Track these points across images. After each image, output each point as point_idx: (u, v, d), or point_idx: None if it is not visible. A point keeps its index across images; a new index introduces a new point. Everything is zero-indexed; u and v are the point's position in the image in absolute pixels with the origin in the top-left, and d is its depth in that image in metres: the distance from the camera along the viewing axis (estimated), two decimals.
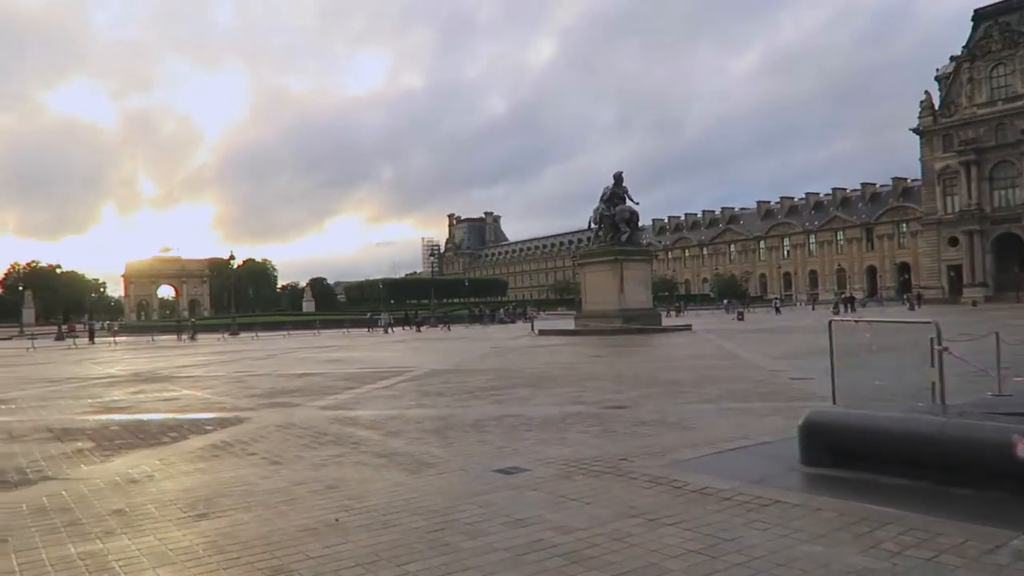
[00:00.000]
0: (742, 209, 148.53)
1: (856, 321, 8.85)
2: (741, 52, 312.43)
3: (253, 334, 50.30)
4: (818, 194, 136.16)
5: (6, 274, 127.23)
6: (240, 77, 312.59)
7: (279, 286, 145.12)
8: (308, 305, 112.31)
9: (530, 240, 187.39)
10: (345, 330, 52.12)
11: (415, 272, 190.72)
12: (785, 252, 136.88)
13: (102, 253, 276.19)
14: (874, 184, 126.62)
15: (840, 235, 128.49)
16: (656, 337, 29.00)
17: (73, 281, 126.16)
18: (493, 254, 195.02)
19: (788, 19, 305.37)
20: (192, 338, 48.15)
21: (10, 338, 57.49)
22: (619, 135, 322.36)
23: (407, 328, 51.48)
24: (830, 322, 8.21)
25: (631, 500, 5.26)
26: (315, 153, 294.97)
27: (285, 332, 51.98)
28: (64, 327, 59.75)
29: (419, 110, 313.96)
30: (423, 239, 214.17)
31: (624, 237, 34.02)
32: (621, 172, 35.12)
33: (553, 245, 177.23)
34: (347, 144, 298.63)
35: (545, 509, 5.10)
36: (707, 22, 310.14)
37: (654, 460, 6.50)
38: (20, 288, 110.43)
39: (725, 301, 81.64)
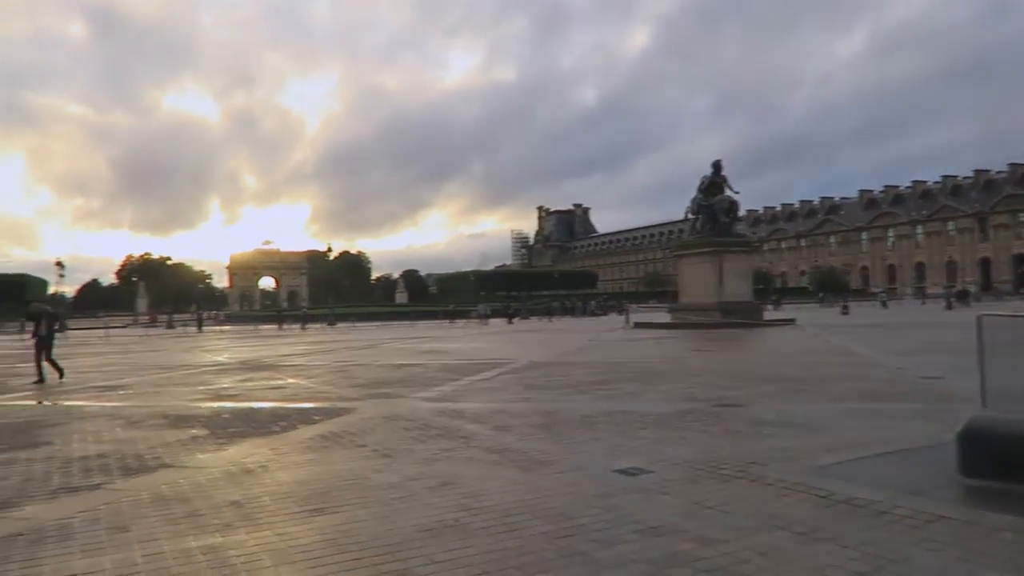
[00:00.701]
0: (843, 199, 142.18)
1: (1013, 316, 7.96)
2: (847, 33, 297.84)
3: (350, 324, 51.50)
4: (926, 182, 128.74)
5: (121, 266, 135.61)
6: (337, 74, 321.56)
7: (373, 278, 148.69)
8: (401, 296, 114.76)
9: (620, 232, 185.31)
10: (438, 321, 52.76)
11: (504, 264, 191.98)
12: (889, 243, 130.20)
13: (208, 246, 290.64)
14: (988, 171, 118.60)
15: (951, 225, 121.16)
16: (758, 331, 27.85)
17: (181, 273, 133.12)
18: (582, 246, 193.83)
19: None
20: (303, 327, 49.42)
21: (125, 326, 60.99)
22: (715, 124, 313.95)
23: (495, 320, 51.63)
24: (979, 317, 7.40)
25: (772, 510, 4.77)
26: (409, 147, 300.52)
27: (380, 323, 53.01)
28: (146, 318, 62.65)
29: (511, 102, 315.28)
30: (512, 231, 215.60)
31: (723, 227, 32.85)
32: (720, 160, 33.96)
33: (644, 237, 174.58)
34: (440, 138, 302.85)
35: (679, 516, 4.68)
36: (811, 3, 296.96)
37: (789, 465, 5.97)
38: (134, 279, 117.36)
39: (820, 295, 78.22)
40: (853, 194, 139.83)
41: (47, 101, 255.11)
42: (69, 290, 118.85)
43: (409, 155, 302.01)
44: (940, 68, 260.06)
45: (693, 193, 34.70)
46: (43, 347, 15.17)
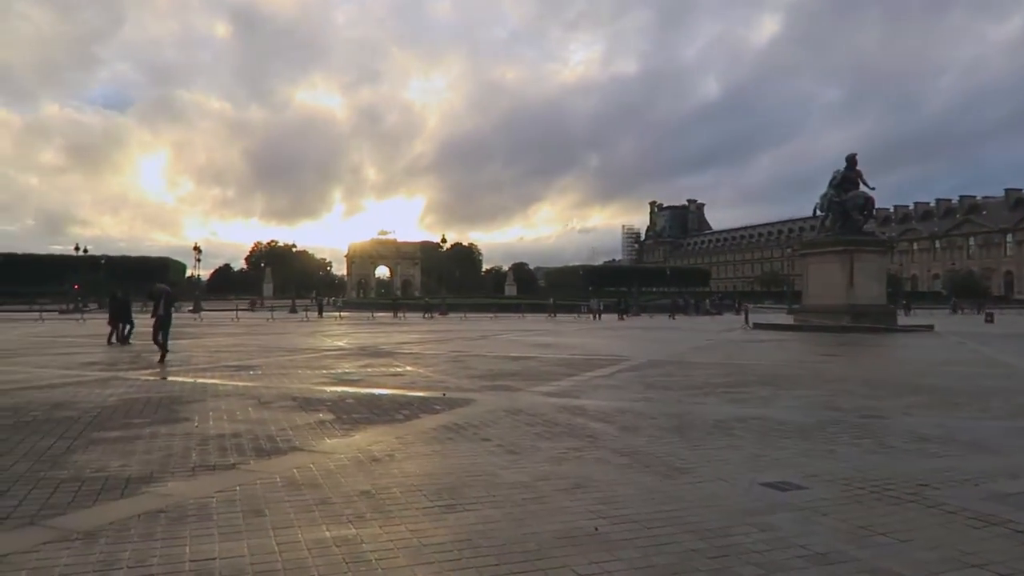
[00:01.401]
0: (985, 198, 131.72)
1: None
2: (1001, 17, 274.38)
3: (462, 315, 52.18)
4: None
5: (251, 252, 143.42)
6: (459, 68, 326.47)
7: (483, 270, 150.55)
8: (510, 289, 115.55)
9: (735, 229, 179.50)
10: (548, 315, 52.64)
11: (613, 259, 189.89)
12: None
13: (330, 236, 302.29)
14: None
15: None
16: (893, 337, 26.04)
17: (304, 260, 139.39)
18: (695, 243, 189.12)
19: None
20: (442, 315, 49.69)
21: (251, 309, 64.28)
22: (845, 116, 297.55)
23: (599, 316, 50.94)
24: None
25: (960, 543, 4.18)
26: (524, 141, 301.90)
27: (491, 314, 53.42)
28: (249, 301, 65.52)
29: (631, 95, 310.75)
30: (623, 226, 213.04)
31: (856, 225, 30.91)
32: (855, 154, 31.87)
33: (760, 235, 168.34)
34: (556, 132, 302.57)
35: (847, 543, 4.17)
36: None
37: (967, 490, 5.29)
38: (262, 264, 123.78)
39: (952, 300, 72.51)
40: (998, 193, 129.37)
41: (192, 97, 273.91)
42: (204, 274, 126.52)
43: (524, 149, 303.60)
44: None
45: (823, 189, 32.84)
46: (161, 327, 15.63)
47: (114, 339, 20.91)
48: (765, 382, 12.06)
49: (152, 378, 12.52)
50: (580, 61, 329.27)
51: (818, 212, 33.19)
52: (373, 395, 10.43)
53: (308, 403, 9.52)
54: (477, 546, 4.08)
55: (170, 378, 12.54)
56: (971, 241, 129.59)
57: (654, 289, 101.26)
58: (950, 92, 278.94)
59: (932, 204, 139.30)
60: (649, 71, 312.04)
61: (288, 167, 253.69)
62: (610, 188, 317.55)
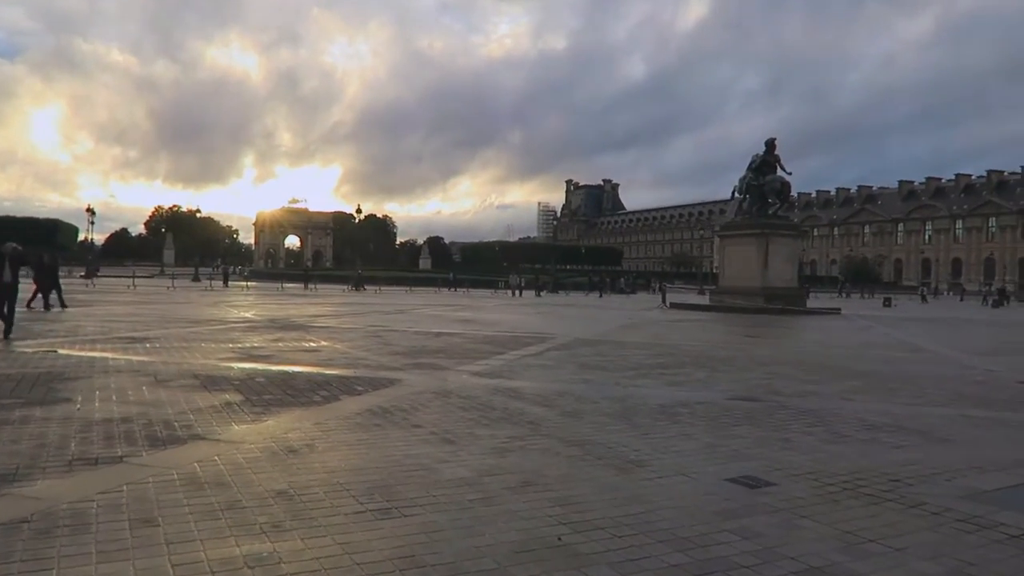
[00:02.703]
0: (880, 188, 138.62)
1: None
2: (914, 14, 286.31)
3: (376, 288, 50.80)
4: (970, 176, 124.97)
5: (151, 216, 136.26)
6: (384, 35, 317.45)
7: (398, 243, 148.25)
8: (424, 263, 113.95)
9: (648, 210, 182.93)
10: (465, 290, 51.93)
11: (529, 237, 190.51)
12: (927, 237, 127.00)
13: (239, 202, 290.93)
14: None
15: (992, 221, 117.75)
16: (806, 319, 26.66)
17: (209, 226, 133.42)
18: (609, 222, 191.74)
19: None
20: (357, 289, 48.30)
21: (152, 276, 60.85)
22: (764, 103, 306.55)
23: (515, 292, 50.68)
24: None
25: (958, 551, 3.78)
26: (449, 113, 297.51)
27: (406, 288, 52.27)
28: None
29: (557, 72, 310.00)
30: (539, 204, 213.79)
31: (772, 209, 31.50)
32: (774, 139, 32.37)
33: (673, 216, 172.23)
34: (481, 105, 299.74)
35: (840, 553, 3.71)
36: None
37: (940, 487, 4.96)
38: (163, 230, 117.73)
39: (840, 284, 75.94)
40: (894, 184, 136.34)
41: (92, 48, 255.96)
42: (100, 238, 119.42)
43: (447, 121, 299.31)
44: (1008, 59, 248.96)
45: (738, 174, 33.31)
46: (4, 295, 12.91)
47: (38, 305, 19.88)
48: (700, 364, 11.77)
49: (32, 350, 11.15)
50: (509, 34, 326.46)
51: (736, 194, 33.65)
52: (286, 373, 9.51)
53: (212, 382, 8.53)
54: (422, 564, 3.39)
55: (53, 351, 11.20)
56: (866, 229, 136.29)
57: (568, 267, 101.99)
58: (861, 85, 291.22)
59: (832, 192, 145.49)
60: (578, 49, 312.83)
61: (197, 128, 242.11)
62: (531, 165, 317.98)
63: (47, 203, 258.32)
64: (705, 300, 40.90)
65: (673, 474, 5.14)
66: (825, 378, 10.47)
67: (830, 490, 4.84)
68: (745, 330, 20.19)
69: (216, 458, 5.16)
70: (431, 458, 5.37)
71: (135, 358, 10.59)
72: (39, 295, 20.24)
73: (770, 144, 32.25)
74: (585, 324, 21.33)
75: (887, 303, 44.09)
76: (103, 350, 11.41)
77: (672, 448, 5.92)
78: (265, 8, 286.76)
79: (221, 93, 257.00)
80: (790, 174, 32.24)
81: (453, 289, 51.76)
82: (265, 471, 4.87)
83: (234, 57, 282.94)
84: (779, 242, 30.84)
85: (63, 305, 20.51)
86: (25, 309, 18.89)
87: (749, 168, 32.49)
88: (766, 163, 32.07)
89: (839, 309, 32.41)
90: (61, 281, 21.97)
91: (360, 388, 8.43)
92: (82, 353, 10.95)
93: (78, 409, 6.71)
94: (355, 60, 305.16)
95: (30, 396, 7.27)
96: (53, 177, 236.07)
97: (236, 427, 6.22)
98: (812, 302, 41.32)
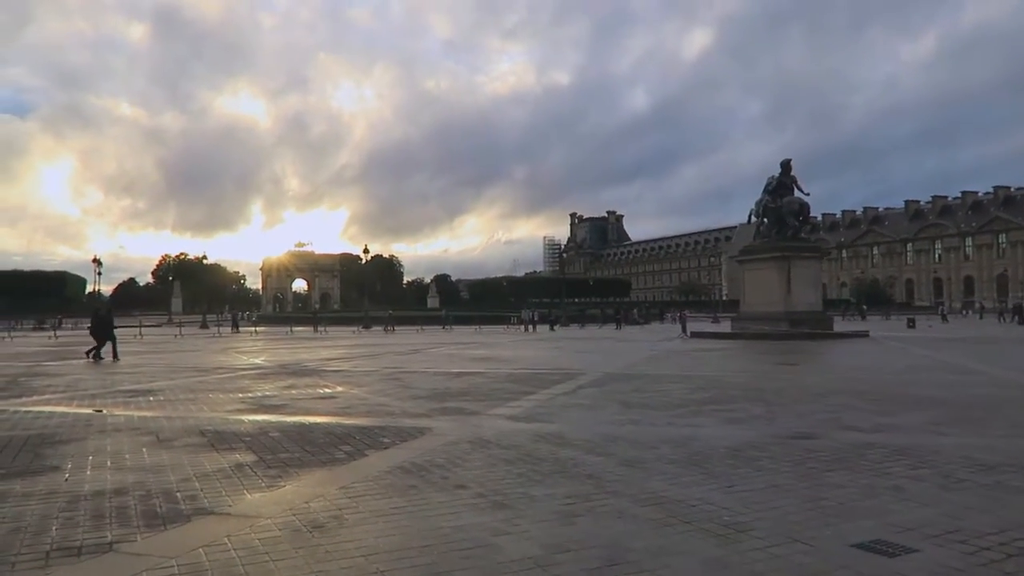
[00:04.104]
0: (887, 209, 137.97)
1: None
2: (916, 37, 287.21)
3: (384, 328, 49.88)
4: (976, 193, 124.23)
5: (158, 265, 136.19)
6: (390, 76, 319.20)
7: (405, 282, 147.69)
8: (432, 301, 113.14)
9: (654, 240, 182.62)
10: (476, 327, 50.97)
11: (535, 271, 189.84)
12: (936, 256, 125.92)
13: (248, 249, 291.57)
14: None
15: (1002, 238, 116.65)
16: (836, 344, 25.60)
17: (216, 273, 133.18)
18: (615, 254, 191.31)
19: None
20: (366, 328, 47.65)
21: (159, 325, 60.15)
22: (767, 129, 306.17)
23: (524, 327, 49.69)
24: None
25: None
26: (455, 152, 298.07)
27: (417, 327, 51.35)
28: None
29: (562, 107, 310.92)
30: (544, 238, 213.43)
31: (792, 232, 30.62)
32: (789, 160, 31.63)
33: (678, 245, 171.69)
34: (487, 143, 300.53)
35: None
36: (882, 3, 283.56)
37: None
38: (170, 279, 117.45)
39: (852, 305, 74.68)
40: (898, 204, 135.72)
41: (102, 103, 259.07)
42: (107, 289, 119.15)
43: (453, 160, 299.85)
44: (1010, 76, 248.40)
45: (743, 201, 32.72)
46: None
47: (98, 356, 20.02)
48: (751, 398, 10.78)
49: (27, 408, 10.27)
50: (512, 71, 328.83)
51: (753, 218, 32.78)
52: (302, 425, 8.58)
53: (221, 439, 7.61)
54: None
55: (48, 408, 10.31)
56: (875, 251, 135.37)
57: (576, 300, 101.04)
58: (864, 108, 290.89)
59: (838, 215, 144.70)
60: (582, 83, 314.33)
61: (205, 177, 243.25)
62: (536, 200, 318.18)
63: (56, 256, 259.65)
64: (720, 328, 39.94)
65: (785, 540, 4.18)
66: (895, 409, 9.47)
67: (990, 556, 3.88)
68: (779, 358, 19.16)
69: (226, 540, 4.23)
70: (485, 529, 4.43)
71: (137, 413, 9.69)
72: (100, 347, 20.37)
73: (786, 165, 31.51)
74: (609, 358, 20.34)
75: (911, 324, 42.98)
76: (103, 405, 10.52)
77: (768, 504, 4.96)
78: (273, 55, 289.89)
79: (230, 141, 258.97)
80: (808, 195, 31.49)
81: (444, 327, 50.72)
82: (287, 557, 3.94)
83: (242, 105, 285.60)
84: (801, 265, 29.91)
85: (115, 357, 20.22)
86: (87, 359, 19.71)
87: (765, 191, 31.71)
88: (783, 185, 31.29)
89: (867, 332, 31.35)
90: (59, 336, 21.30)
91: (386, 440, 7.50)
92: (79, 410, 10.06)
93: (66, 480, 5.80)
94: (361, 103, 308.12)
95: (12, 465, 6.35)
96: (63, 231, 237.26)
97: (249, 496, 5.29)
98: (841, 324, 40.26)
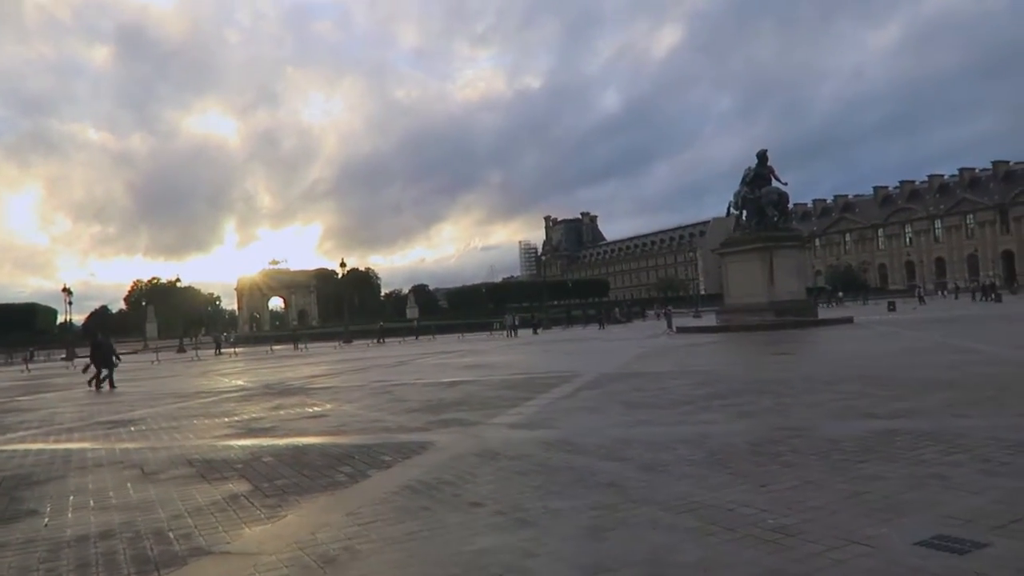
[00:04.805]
0: (856, 196, 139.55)
1: None
2: (880, 25, 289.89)
3: (367, 342, 49.26)
4: (942, 176, 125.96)
5: (130, 290, 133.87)
6: (360, 87, 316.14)
7: (383, 294, 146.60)
8: (412, 312, 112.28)
9: (629, 239, 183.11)
10: (460, 335, 50.49)
11: (512, 276, 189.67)
12: (907, 240, 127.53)
13: (223, 269, 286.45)
14: (1007, 162, 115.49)
15: (970, 219, 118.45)
16: (823, 331, 25.52)
17: (190, 296, 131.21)
18: (591, 255, 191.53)
19: None
20: (347, 342, 47.39)
21: (135, 352, 58.93)
22: (739, 124, 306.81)
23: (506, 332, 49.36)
24: None
25: None
26: (428, 160, 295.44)
27: (399, 339, 50.80)
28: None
29: (534, 110, 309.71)
30: (520, 242, 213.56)
31: (772, 222, 30.59)
32: (765, 150, 31.60)
33: (654, 243, 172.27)
34: (460, 149, 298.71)
35: None
36: None
37: None
38: (143, 303, 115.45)
39: (829, 291, 75.12)
40: (867, 191, 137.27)
41: (67, 128, 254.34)
42: (79, 318, 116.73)
43: (427, 168, 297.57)
44: (972, 61, 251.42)
45: (717, 195, 33.09)
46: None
47: (100, 385, 19.60)
48: (756, 390, 10.49)
49: (0, 448, 9.71)
50: (483, 77, 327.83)
51: (732, 210, 32.70)
52: (296, 448, 8.14)
53: (212, 468, 7.16)
54: None
55: (23, 446, 9.75)
56: (847, 237, 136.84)
57: (556, 302, 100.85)
58: (833, 98, 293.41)
59: (809, 205, 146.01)
60: (554, 86, 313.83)
61: (176, 198, 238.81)
62: (512, 204, 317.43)
63: (26, 288, 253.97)
64: (704, 322, 39.90)
65: (842, 543, 3.85)
66: (906, 393, 9.23)
67: None
68: (771, 348, 18.98)
69: None
70: (512, 551, 4.06)
71: (118, 446, 9.17)
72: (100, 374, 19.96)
73: (762, 156, 31.49)
74: (599, 358, 20.04)
75: (891, 307, 43.25)
76: (81, 439, 9.99)
77: (807, 503, 4.63)
78: (240, 70, 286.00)
79: (200, 160, 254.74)
80: (786, 184, 31.52)
81: (417, 338, 50.32)
82: None
83: (211, 123, 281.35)
84: (783, 254, 29.87)
85: (111, 385, 19.75)
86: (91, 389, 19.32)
87: (743, 182, 31.66)
88: (760, 176, 31.27)
89: (851, 318, 31.37)
90: (31, 369, 20.69)
91: (388, 458, 7.09)
92: (56, 446, 9.53)
93: (46, 525, 5.33)
94: (331, 115, 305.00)
95: None
96: (31, 260, 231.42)
97: (249, 530, 4.86)
98: (822, 311, 40.36)
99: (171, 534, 4.86)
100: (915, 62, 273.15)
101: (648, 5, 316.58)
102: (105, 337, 21.82)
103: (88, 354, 21.59)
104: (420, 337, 50.64)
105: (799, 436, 6.79)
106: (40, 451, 9.15)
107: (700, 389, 10.97)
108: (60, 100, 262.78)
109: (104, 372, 19.94)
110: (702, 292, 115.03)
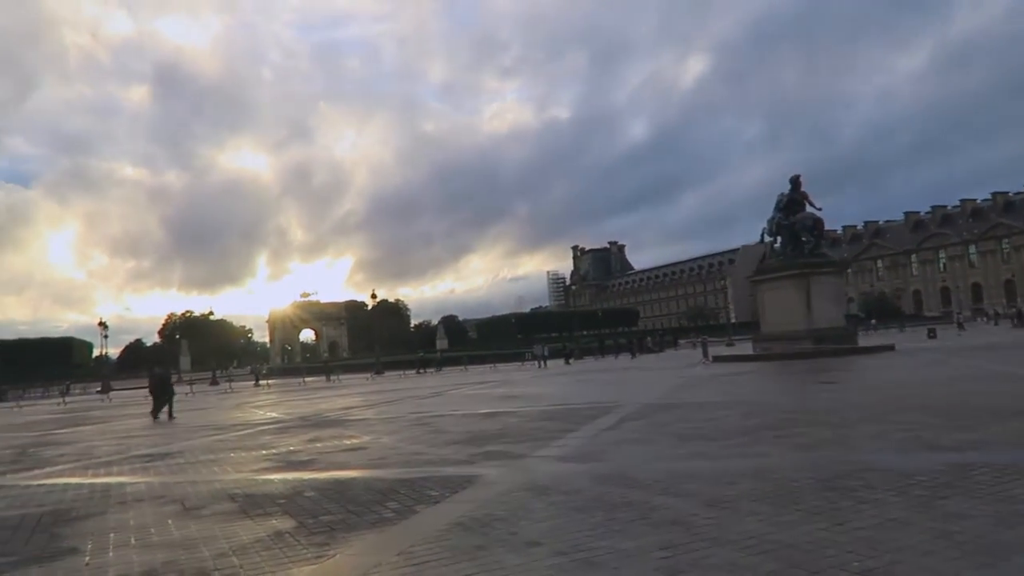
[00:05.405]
0: (887, 222, 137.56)
1: None
2: (909, 49, 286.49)
3: (400, 373, 49.20)
4: (975, 200, 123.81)
5: (164, 324, 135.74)
6: (391, 121, 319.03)
7: (412, 325, 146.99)
8: (441, 343, 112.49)
9: (658, 267, 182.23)
10: (491, 365, 50.21)
11: (540, 306, 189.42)
12: (941, 265, 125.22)
13: (254, 302, 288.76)
14: None
15: (1006, 243, 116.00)
16: (865, 359, 24.84)
17: (223, 329, 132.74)
18: (620, 284, 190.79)
19: (965, 8, 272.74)
20: (378, 373, 47.88)
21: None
22: (766, 150, 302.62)
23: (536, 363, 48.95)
24: None
25: None
26: (457, 192, 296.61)
27: (432, 370, 50.66)
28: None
29: (562, 141, 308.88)
30: (548, 272, 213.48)
31: (808, 248, 30.06)
32: (799, 176, 31.17)
33: (683, 271, 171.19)
34: (489, 181, 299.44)
35: None
36: (873, 18, 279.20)
37: None
38: (177, 337, 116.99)
39: (862, 319, 73.70)
40: (897, 217, 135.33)
41: (105, 166, 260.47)
42: (115, 351, 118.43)
43: (455, 200, 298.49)
44: (1003, 82, 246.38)
45: (745, 224, 32.78)
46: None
47: (158, 415, 20.38)
48: (808, 420, 10.09)
49: (39, 482, 9.63)
50: (511, 109, 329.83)
51: (767, 237, 32.23)
52: (338, 482, 7.93)
53: (253, 503, 6.96)
54: None
55: (62, 479, 9.66)
56: (879, 264, 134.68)
57: (585, 332, 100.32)
58: (861, 122, 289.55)
59: (839, 231, 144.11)
60: (582, 116, 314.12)
61: (210, 233, 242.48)
62: (540, 235, 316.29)
63: (63, 322, 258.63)
64: (737, 350, 39.26)
65: None
66: (970, 423, 8.78)
67: None
68: (813, 376, 18.45)
69: None
70: None
71: (157, 479, 9.05)
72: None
73: (795, 181, 31.05)
74: (638, 388, 19.65)
75: (931, 335, 42.20)
76: (120, 473, 9.89)
77: (894, 543, 4.30)
78: (274, 107, 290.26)
79: (233, 196, 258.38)
80: (820, 209, 30.97)
81: (439, 369, 50.25)
82: None
83: (245, 159, 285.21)
84: (821, 281, 29.27)
85: (170, 415, 20.35)
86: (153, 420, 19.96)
87: (776, 208, 31.20)
88: (793, 201, 30.80)
89: (892, 345, 30.59)
90: (67, 401, 20.93)
91: (434, 493, 6.84)
92: (95, 480, 9.43)
93: (87, 564, 5.16)
94: (362, 149, 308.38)
95: (26, 549, 5.72)
96: (69, 295, 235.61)
97: (297, 571, 4.64)
98: (864, 338, 39.45)
99: (216, 574, 4.66)
100: (943, 84, 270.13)
101: (674, 34, 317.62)
102: (164, 369, 22.42)
103: (147, 386, 22.49)
104: (448, 368, 50.45)
105: (868, 470, 6.42)
106: (79, 485, 9.04)
107: (750, 420, 10.59)
108: (98, 139, 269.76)
109: (162, 403, 20.47)
110: (733, 320, 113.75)
